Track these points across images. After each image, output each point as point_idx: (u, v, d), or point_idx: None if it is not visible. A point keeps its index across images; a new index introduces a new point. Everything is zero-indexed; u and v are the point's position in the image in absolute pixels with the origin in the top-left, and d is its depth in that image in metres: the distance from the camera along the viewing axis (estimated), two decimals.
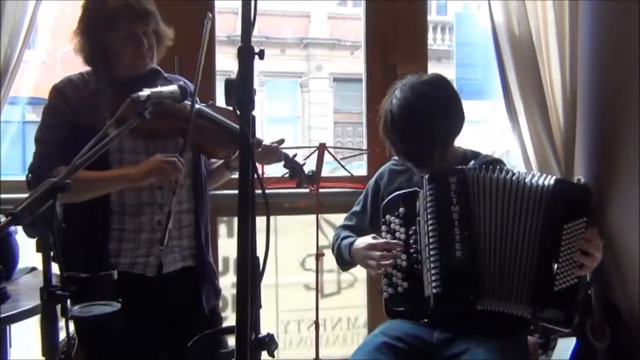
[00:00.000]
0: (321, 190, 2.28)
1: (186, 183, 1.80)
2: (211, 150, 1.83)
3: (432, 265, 1.67)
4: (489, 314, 1.67)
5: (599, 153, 2.57)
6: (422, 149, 1.81)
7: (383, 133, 1.85)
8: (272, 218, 1.19)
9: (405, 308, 1.76)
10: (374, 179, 2.02)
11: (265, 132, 10.27)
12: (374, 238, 1.82)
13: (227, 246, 2.60)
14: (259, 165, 2.06)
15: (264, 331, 1.16)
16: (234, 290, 1.09)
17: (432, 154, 1.81)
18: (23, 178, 1.76)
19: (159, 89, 1.52)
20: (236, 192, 1.10)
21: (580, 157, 2.60)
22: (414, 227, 1.76)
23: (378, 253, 1.76)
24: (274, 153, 1.92)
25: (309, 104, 12.02)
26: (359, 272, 2.92)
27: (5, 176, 2.39)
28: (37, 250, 1.07)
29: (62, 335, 1.28)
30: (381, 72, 2.63)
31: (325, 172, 2.36)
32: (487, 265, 1.67)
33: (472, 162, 1.82)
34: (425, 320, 1.76)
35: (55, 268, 1.12)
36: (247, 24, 1.08)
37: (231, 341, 1.53)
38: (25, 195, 1.11)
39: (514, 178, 1.69)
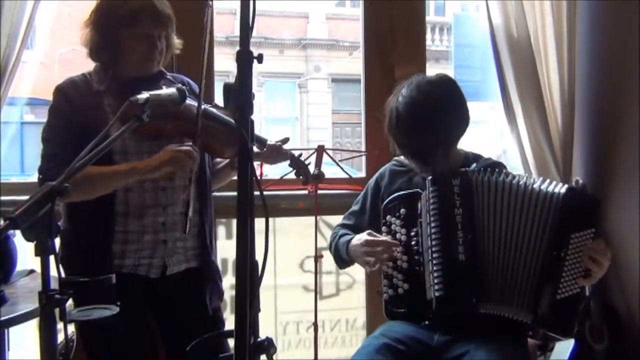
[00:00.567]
0: (320, 192, 2.28)
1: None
2: (218, 149, 1.83)
3: (434, 268, 1.67)
4: (489, 317, 1.67)
5: (597, 154, 2.57)
6: (425, 147, 1.81)
7: (388, 131, 1.86)
8: (270, 220, 1.19)
9: (405, 310, 1.76)
10: (374, 179, 2.02)
11: (264, 133, 10.25)
12: (370, 235, 1.81)
13: (225, 248, 2.60)
14: (258, 167, 2.06)
15: (262, 333, 1.16)
16: (233, 292, 1.09)
17: (435, 153, 1.81)
18: (22, 179, 1.76)
19: (157, 91, 1.52)
20: (235, 193, 1.10)
21: (578, 158, 2.60)
22: (415, 229, 1.76)
23: (376, 249, 1.76)
24: (279, 152, 1.92)
25: (307, 105, 12.04)
26: (358, 274, 2.93)
27: (4, 177, 2.39)
28: (36, 254, 1.07)
29: (61, 337, 1.28)
30: (380, 72, 2.63)
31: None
32: (490, 268, 1.67)
33: (473, 165, 1.82)
34: (426, 322, 1.76)
35: (53, 271, 1.12)
36: (246, 27, 1.08)
37: (230, 344, 1.53)
38: (23, 198, 1.11)
39: (521, 182, 1.68)
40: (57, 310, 1.10)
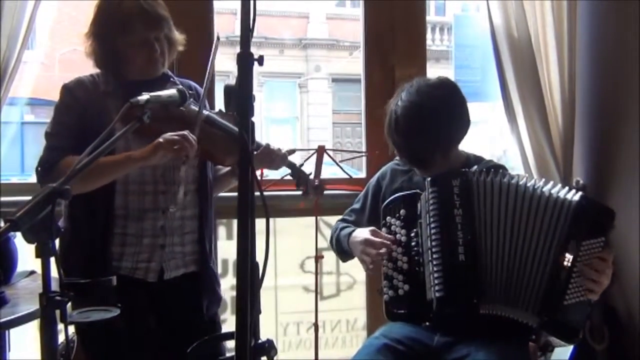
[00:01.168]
0: None
1: (191, 189, 1.80)
2: (219, 157, 1.82)
3: (434, 269, 1.66)
4: (490, 318, 1.66)
5: (597, 154, 2.57)
6: (423, 151, 1.81)
7: (386, 133, 1.86)
8: (271, 220, 1.19)
9: (406, 311, 1.76)
10: (375, 178, 2.02)
11: (264, 133, 10.26)
12: (372, 232, 1.81)
13: (226, 248, 2.60)
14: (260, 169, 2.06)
15: (263, 334, 1.16)
16: (234, 293, 1.09)
17: (433, 157, 1.81)
18: (21, 180, 1.76)
19: (157, 93, 1.52)
20: (235, 194, 1.10)
21: (579, 158, 2.60)
22: (415, 230, 1.76)
23: (374, 251, 1.76)
24: (281, 160, 1.88)
25: (307, 105, 12.03)
26: (358, 274, 2.93)
27: (4, 177, 2.38)
28: (37, 256, 1.07)
29: (61, 337, 1.28)
30: (380, 72, 2.64)
31: (324, 174, 2.36)
32: (492, 269, 1.66)
33: (474, 167, 1.81)
34: (427, 323, 1.76)
35: (54, 272, 1.13)
36: (247, 29, 1.08)
37: (230, 347, 1.53)
38: (23, 198, 1.11)
39: (528, 184, 1.67)
40: (57, 312, 1.10)
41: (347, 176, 2.46)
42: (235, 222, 1.10)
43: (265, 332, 1.19)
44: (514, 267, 1.65)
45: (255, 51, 1.09)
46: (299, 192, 2.00)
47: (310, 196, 2.03)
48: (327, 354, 3.08)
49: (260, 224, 1.15)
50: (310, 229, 2.33)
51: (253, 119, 1.12)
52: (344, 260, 2.03)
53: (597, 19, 2.56)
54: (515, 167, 2.61)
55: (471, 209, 1.68)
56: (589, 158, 2.60)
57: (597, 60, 2.56)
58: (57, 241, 1.13)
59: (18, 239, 1.78)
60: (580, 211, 1.62)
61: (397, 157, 2.00)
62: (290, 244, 2.98)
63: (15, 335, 1.96)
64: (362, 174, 2.68)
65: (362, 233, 1.84)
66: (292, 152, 1.94)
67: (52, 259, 1.10)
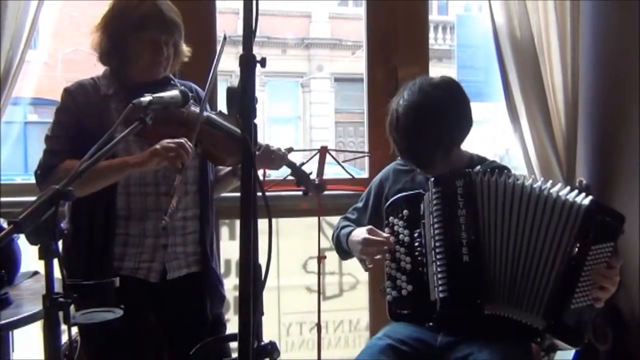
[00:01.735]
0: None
1: (192, 190, 1.80)
2: (219, 158, 1.82)
3: (438, 270, 1.66)
4: (493, 319, 1.66)
5: (600, 154, 2.57)
6: (424, 150, 1.81)
7: (388, 132, 1.87)
8: (273, 221, 1.19)
9: (409, 311, 1.75)
10: (378, 178, 2.02)
11: (267, 133, 10.26)
12: (370, 231, 1.81)
13: (229, 248, 2.61)
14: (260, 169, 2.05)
15: (265, 335, 1.16)
16: (236, 293, 1.09)
17: (434, 156, 1.81)
18: (23, 180, 1.76)
19: (160, 94, 1.53)
20: (238, 194, 1.10)
21: (582, 158, 2.60)
22: (418, 230, 1.76)
23: (368, 249, 1.76)
24: (280, 160, 1.89)
25: (310, 104, 12.01)
26: (361, 275, 2.93)
27: (7, 177, 2.39)
28: (40, 258, 1.07)
29: (65, 338, 1.28)
30: (382, 72, 2.63)
31: (326, 174, 2.36)
32: (497, 270, 1.65)
33: (478, 167, 1.80)
34: (430, 323, 1.75)
35: (57, 273, 1.13)
36: (249, 31, 1.08)
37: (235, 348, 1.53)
38: (25, 199, 1.11)
39: (535, 186, 1.65)
40: (61, 313, 1.11)
41: (349, 176, 2.46)
42: (237, 222, 1.10)
43: (268, 332, 1.19)
44: (519, 268, 1.64)
45: (258, 51, 1.09)
46: (301, 192, 2.00)
47: (311, 195, 2.03)
48: (329, 354, 3.08)
49: (262, 224, 1.15)
50: (313, 229, 2.33)
51: (255, 120, 1.12)
52: (344, 259, 2.04)
53: (600, 19, 2.55)
54: (517, 167, 2.60)
55: (475, 210, 1.67)
56: (591, 158, 2.59)
57: (600, 60, 2.56)
58: (60, 243, 1.13)
59: (21, 240, 1.78)
60: (590, 215, 1.60)
61: (399, 157, 2.00)
62: (293, 244, 2.97)
63: (19, 335, 1.96)
64: (365, 174, 2.68)
65: (361, 232, 1.84)
66: (290, 150, 1.94)
67: (55, 260, 1.10)
